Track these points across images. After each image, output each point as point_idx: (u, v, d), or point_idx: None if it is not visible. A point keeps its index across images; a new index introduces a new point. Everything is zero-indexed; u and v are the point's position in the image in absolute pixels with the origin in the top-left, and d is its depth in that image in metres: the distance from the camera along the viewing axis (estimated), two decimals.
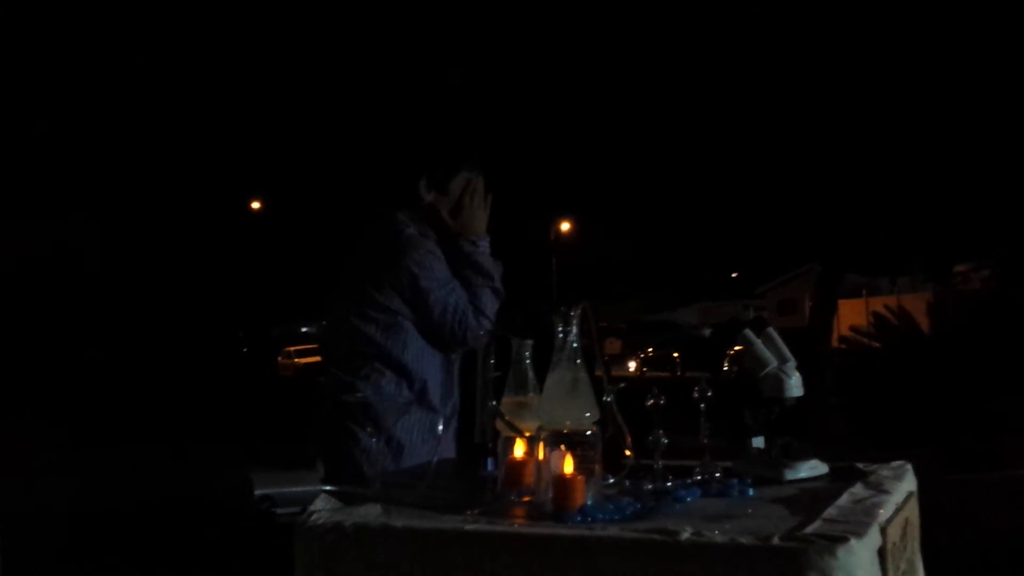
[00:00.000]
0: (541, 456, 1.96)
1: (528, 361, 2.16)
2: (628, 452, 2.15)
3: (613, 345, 35.98)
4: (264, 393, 24.89)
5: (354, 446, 2.67)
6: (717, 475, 2.10)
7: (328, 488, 2.12)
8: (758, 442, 2.22)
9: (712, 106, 17.93)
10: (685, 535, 1.64)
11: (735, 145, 18.55)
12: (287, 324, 49.79)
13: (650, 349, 32.71)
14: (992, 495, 6.11)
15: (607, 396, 2.13)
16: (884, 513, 1.79)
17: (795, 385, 2.20)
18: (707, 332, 35.14)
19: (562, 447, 1.90)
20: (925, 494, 2.15)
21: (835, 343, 14.60)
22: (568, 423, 1.93)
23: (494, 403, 2.17)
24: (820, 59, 15.57)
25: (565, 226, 39.93)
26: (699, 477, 2.10)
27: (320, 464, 2.88)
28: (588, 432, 1.93)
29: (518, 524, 1.83)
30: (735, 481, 2.05)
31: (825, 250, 18.34)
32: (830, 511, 1.78)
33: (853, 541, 1.57)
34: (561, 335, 2.01)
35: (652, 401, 2.09)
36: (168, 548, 6.68)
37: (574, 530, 1.74)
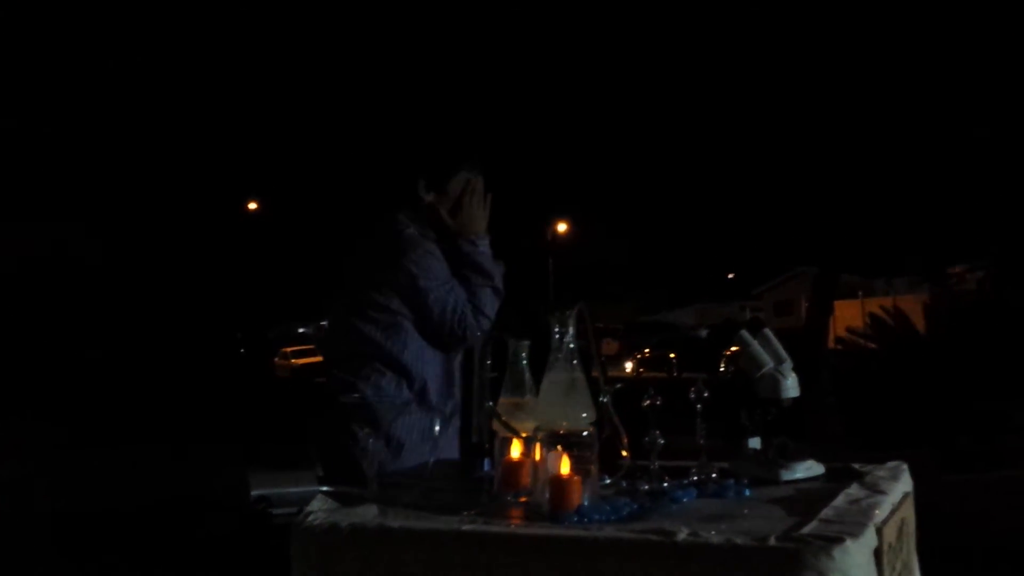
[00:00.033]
0: (538, 457, 1.97)
1: (525, 362, 2.16)
2: (624, 453, 2.15)
3: (610, 346, 35.99)
4: (261, 394, 24.86)
5: (352, 446, 2.67)
6: (713, 476, 2.11)
7: (325, 489, 2.12)
8: (754, 443, 2.22)
9: (709, 108, 17.94)
10: (682, 536, 1.64)
11: (732, 147, 18.56)
12: (284, 325, 49.77)
13: (647, 350, 32.74)
14: (988, 495, 6.12)
15: (603, 397, 2.13)
16: (880, 514, 1.79)
17: (791, 386, 2.20)
18: (704, 333, 35.18)
19: (559, 448, 1.90)
20: (921, 495, 2.16)
21: (831, 344, 14.63)
22: (565, 424, 1.94)
23: (491, 404, 2.17)
24: (816, 62, 15.58)
25: (562, 227, 39.93)
26: (695, 478, 2.10)
27: (318, 465, 2.88)
28: (584, 433, 1.94)
29: (515, 525, 1.83)
30: (731, 482, 2.05)
31: (821, 251, 18.34)
32: (826, 512, 1.78)
33: (849, 542, 1.58)
34: (557, 336, 2.01)
35: (648, 402, 2.09)
36: (165, 548, 6.67)
37: (571, 531, 1.74)
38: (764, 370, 2.22)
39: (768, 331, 2.31)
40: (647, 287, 59.18)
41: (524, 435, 2.05)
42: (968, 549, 4.95)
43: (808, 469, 2.15)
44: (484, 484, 2.13)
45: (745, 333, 2.29)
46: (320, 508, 1.96)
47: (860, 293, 31.68)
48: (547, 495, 1.88)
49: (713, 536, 1.64)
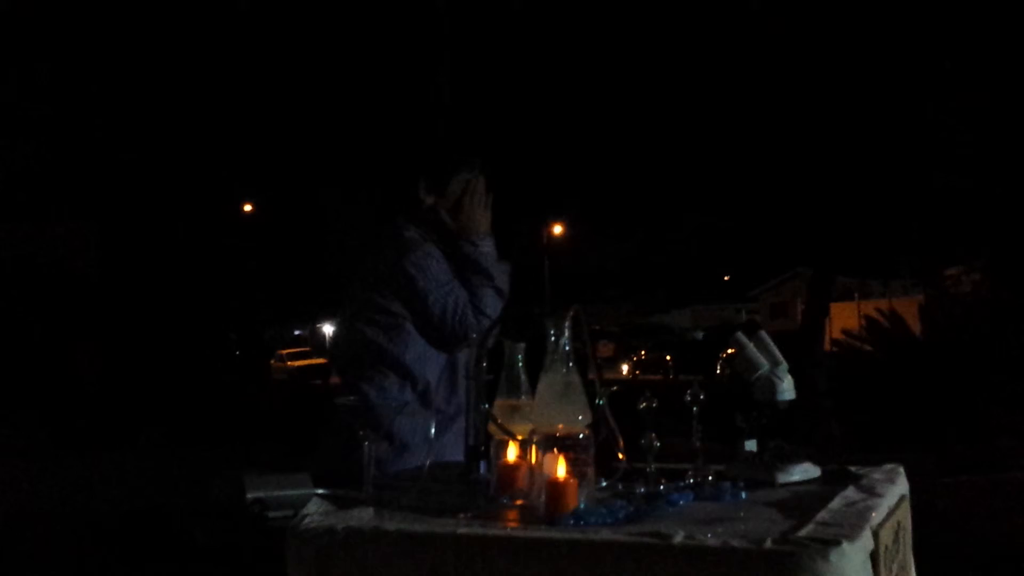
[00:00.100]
0: (534, 459, 1.96)
1: (520, 364, 2.16)
2: (621, 455, 2.15)
3: (606, 348, 36.03)
4: (256, 395, 24.86)
5: (351, 449, 2.68)
6: (710, 478, 2.10)
7: (321, 491, 2.12)
8: (750, 445, 2.22)
9: (704, 110, 17.96)
10: (678, 538, 1.64)
11: (727, 149, 18.58)
12: (280, 327, 49.78)
13: (643, 352, 32.75)
14: (984, 498, 6.13)
15: (600, 399, 2.13)
16: (876, 516, 1.79)
17: (787, 388, 2.20)
18: (699, 335, 35.23)
19: (555, 450, 1.90)
20: (918, 497, 2.16)
21: (827, 346, 14.63)
22: (561, 426, 1.93)
23: (486, 406, 2.17)
24: (810, 64, 15.60)
25: (558, 229, 39.96)
26: (692, 480, 2.10)
27: (315, 467, 2.89)
28: (581, 435, 1.93)
29: (511, 527, 1.83)
30: (727, 484, 2.05)
31: (817, 253, 18.36)
32: (822, 514, 1.78)
33: (845, 544, 1.57)
34: (553, 338, 2.01)
35: (644, 404, 2.09)
36: (158, 552, 6.66)
37: (567, 533, 1.74)
38: (760, 372, 2.21)
39: (764, 333, 2.31)
40: (643, 289, 59.25)
41: (520, 438, 2.05)
42: (965, 551, 4.96)
43: (804, 472, 2.15)
44: (480, 487, 2.13)
45: (741, 335, 2.28)
46: (316, 511, 1.96)
47: (856, 295, 31.73)
48: (543, 498, 1.87)
49: (709, 539, 1.63)
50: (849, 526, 1.69)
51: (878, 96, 15.18)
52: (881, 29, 14.93)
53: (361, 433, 2.12)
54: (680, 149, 20.21)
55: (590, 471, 1.94)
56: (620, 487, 2.08)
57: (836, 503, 1.87)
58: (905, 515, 2.03)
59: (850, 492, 1.97)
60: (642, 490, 2.02)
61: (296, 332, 57.32)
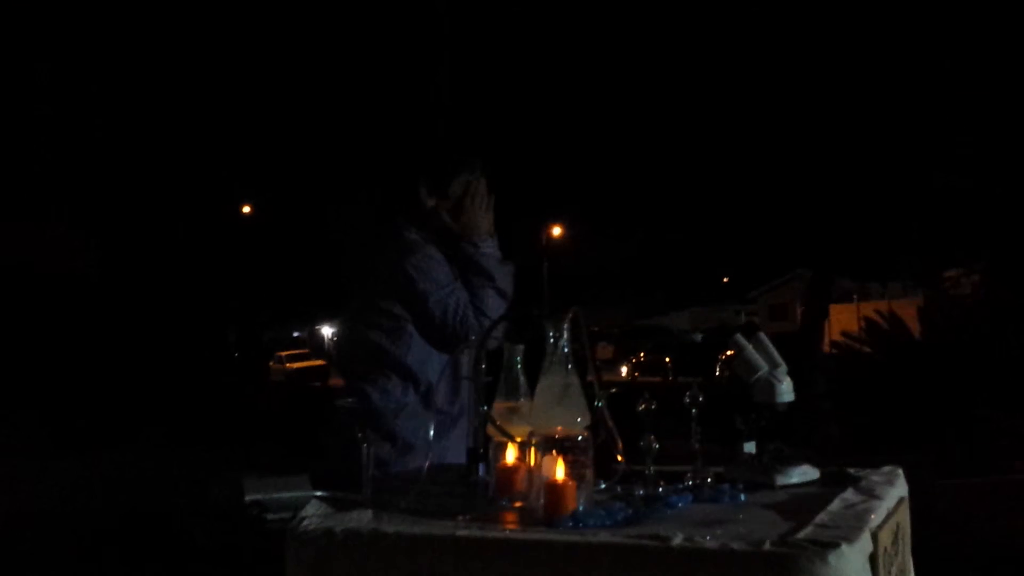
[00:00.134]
0: (532, 462, 1.96)
1: (519, 366, 2.16)
2: (620, 457, 2.15)
3: (605, 350, 36.02)
4: (255, 397, 24.85)
5: (352, 450, 2.69)
6: (709, 480, 2.10)
7: (319, 494, 2.12)
8: (749, 447, 2.22)
9: (705, 112, 17.97)
10: (677, 541, 1.64)
11: (727, 150, 18.58)
12: (278, 329, 49.78)
13: (642, 354, 32.71)
14: (983, 499, 6.13)
15: (598, 401, 2.13)
16: (875, 518, 1.79)
17: (786, 390, 2.20)
18: (699, 337, 35.22)
19: (553, 452, 1.90)
20: (917, 499, 2.15)
21: (827, 348, 14.64)
22: (559, 428, 1.93)
23: (485, 408, 2.17)
24: (810, 66, 15.61)
25: (557, 231, 39.96)
26: (691, 482, 2.10)
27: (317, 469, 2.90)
28: (579, 437, 1.93)
29: (509, 530, 1.83)
30: (727, 486, 2.04)
31: (816, 255, 18.36)
32: (821, 517, 1.78)
33: (844, 547, 1.57)
34: (552, 340, 2.00)
35: (643, 406, 2.09)
36: (157, 554, 6.65)
37: (566, 536, 1.74)
38: (759, 374, 2.21)
39: (763, 335, 2.31)
40: (642, 291, 59.23)
41: (519, 440, 2.05)
42: (964, 553, 4.96)
43: (803, 474, 2.15)
44: (479, 489, 2.12)
45: (740, 337, 2.28)
46: (314, 513, 1.95)
47: (855, 297, 31.76)
48: (542, 500, 1.87)
49: (708, 541, 1.63)
50: (848, 528, 1.69)
51: (877, 98, 15.19)
52: (880, 31, 14.94)
53: (360, 435, 2.12)
54: (679, 151, 20.21)
55: (589, 473, 1.94)
56: (619, 489, 2.08)
57: (835, 505, 1.87)
58: (904, 517, 2.03)
59: (849, 494, 1.97)
60: (641, 492, 2.02)
61: (295, 334, 57.38)
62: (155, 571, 6.28)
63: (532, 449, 1.96)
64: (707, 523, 1.78)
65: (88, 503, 8.84)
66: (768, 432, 2.19)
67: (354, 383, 2.86)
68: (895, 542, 1.88)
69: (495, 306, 2.86)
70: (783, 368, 2.23)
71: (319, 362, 41.17)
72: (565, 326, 2.01)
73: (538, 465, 1.93)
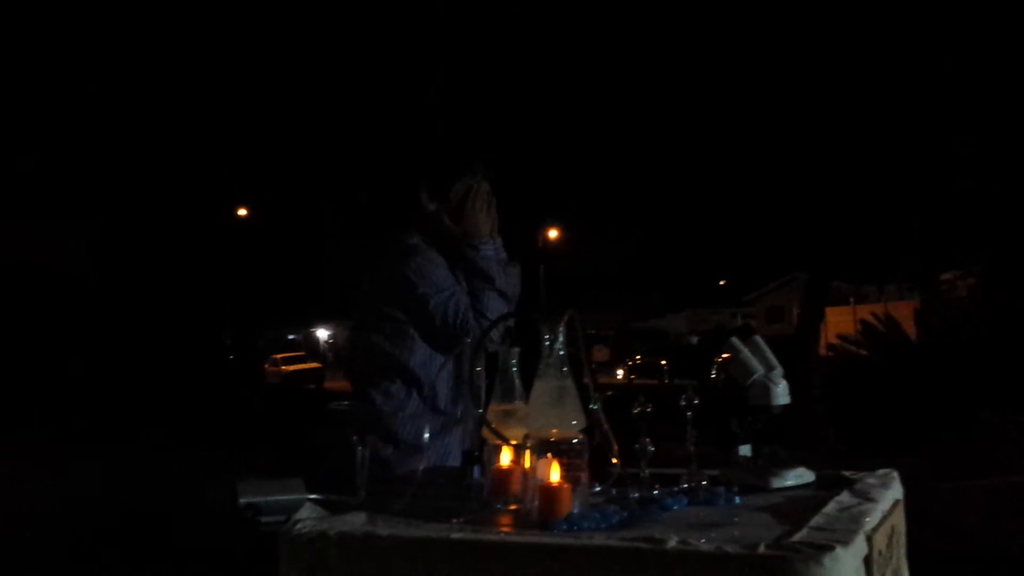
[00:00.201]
0: (527, 464, 1.96)
1: (515, 369, 2.15)
2: (615, 460, 2.14)
3: (601, 352, 36.02)
4: (250, 399, 24.83)
5: (347, 455, 2.69)
6: (704, 483, 2.10)
7: (313, 496, 2.11)
8: (745, 450, 2.22)
9: (701, 115, 17.99)
10: (671, 543, 1.64)
11: (724, 154, 18.60)
12: (274, 331, 49.75)
13: (638, 357, 32.72)
14: (979, 502, 6.12)
15: (594, 404, 2.12)
16: (870, 521, 1.79)
17: (782, 393, 2.20)
18: (695, 340, 35.22)
19: (548, 455, 1.89)
20: (912, 502, 2.15)
21: (822, 351, 14.65)
22: (555, 431, 1.93)
23: (480, 411, 2.17)
24: (807, 69, 15.63)
25: (553, 233, 39.95)
26: (686, 485, 2.10)
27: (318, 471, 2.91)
28: (575, 440, 1.93)
29: (504, 532, 1.82)
30: (722, 489, 2.04)
31: (813, 258, 18.39)
32: (816, 519, 1.78)
33: (839, 549, 1.57)
34: (548, 343, 2.00)
35: (639, 409, 2.08)
36: (151, 557, 6.65)
37: (560, 538, 1.73)
38: (754, 377, 2.21)
39: (758, 338, 2.31)
40: (638, 293, 59.25)
41: (514, 443, 2.04)
42: (959, 556, 4.96)
43: (798, 476, 2.14)
44: (474, 491, 2.12)
45: (735, 340, 2.28)
46: (308, 516, 1.95)
47: (851, 300, 31.79)
48: (537, 503, 1.87)
49: (703, 544, 1.63)
50: (843, 531, 1.69)
51: (874, 102, 15.21)
52: (878, 35, 14.96)
53: (354, 438, 2.12)
54: (676, 153, 20.23)
55: (584, 476, 1.93)
56: (614, 492, 2.08)
57: (830, 508, 1.87)
58: (899, 520, 2.03)
59: (844, 497, 1.96)
60: (636, 495, 2.02)
61: (290, 336, 57.36)
62: (150, 572, 6.27)
63: (527, 452, 1.96)
64: (702, 526, 1.78)
65: (80, 507, 8.84)
66: (763, 435, 2.19)
67: (359, 387, 2.89)
68: (890, 545, 1.88)
69: (496, 308, 2.86)
70: (779, 371, 2.23)
71: (314, 364, 41.20)
72: (561, 329, 2.01)
73: (533, 468, 1.92)
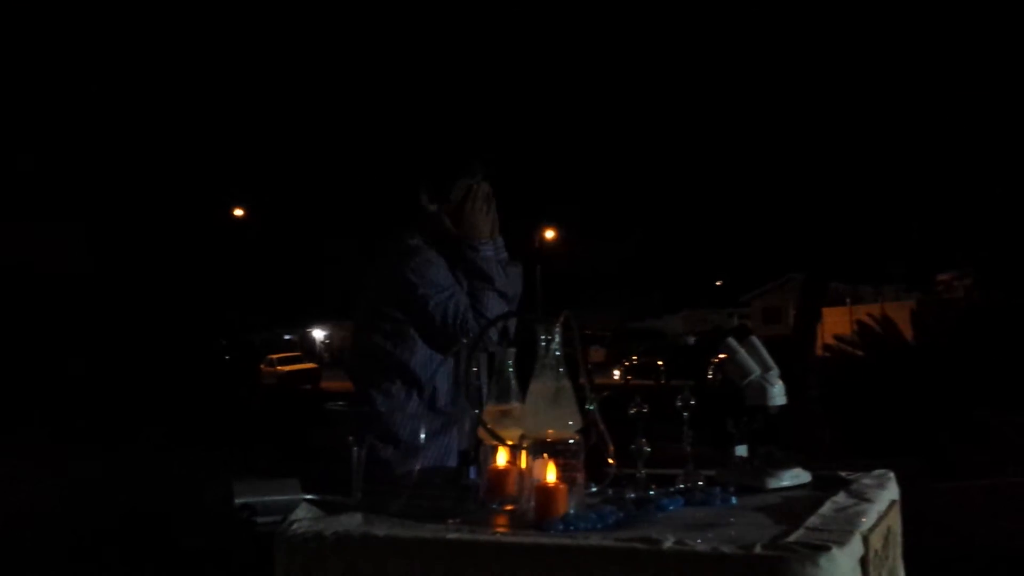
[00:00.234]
0: (524, 465, 1.96)
1: (511, 369, 2.15)
2: (611, 461, 2.14)
3: (597, 353, 35.99)
4: (246, 399, 24.82)
5: (343, 455, 2.70)
6: (700, 483, 2.10)
7: (309, 497, 2.11)
8: (741, 450, 2.22)
9: (697, 116, 17.99)
10: (668, 544, 1.64)
11: (720, 154, 18.61)
12: (270, 332, 49.73)
13: (634, 357, 32.70)
14: (975, 502, 6.13)
15: (590, 404, 2.12)
16: (866, 522, 1.79)
17: (778, 393, 2.20)
18: (691, 340, 35.21)
19: (545, 456, 1.89)
20: (908, 502, 2.15)
21: (819, 351, 14.65)
22: (551, 432, 1.93)
23: (476, 411, 2.16)
24: (803, 70, 15.63)
25: (550, 234, 39.94)
26: (682, 486, 2.10)
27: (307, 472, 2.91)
28: (571, 441, 1.93)
29: (500, 533, 1.82)
30: (718, 489, 2.04)
31: (809, 258, 18.40)
32: (812, 520, 1.78)
33: (835, 550, 1.57)
34: (544, 343, 2.00)
35: (635, 409, 2.08)
36: (147, 557, 6.64)
37: (557, 539, 1.73)
38: (751, 378, 2.21)
39: (755, 338, 2.31)
40: (635, 294, 59.24)
41: (510, 443, 2.04)
42: (955, 556, 4.96)
43: (795, 477, 2.15)
44: (470, 492, 2.12)
45: (732, 340, 2.28)
46: (304, 516, 1.95)
47: (848, 300, 31.76)
48: (533, 503, 1.87)
49: (699, 544, 1.63)
50: (839, 531, 1.69)
51: (872, 102, 15.22)
52: (876, 35, 14.97)
53: (350, 438, 2.12)
54: (674, 154, 20.24)
55: (580, 476, 1.93)
56: (610, 492, 2.08)
57: (826, 508, 1.87)
58: (895, 520, 2.03)
59: (840, 497, 1.96)
60: (632, 495, 2.02)
61: (286, 337, 57.31)
62: (150, 572, 6.26)
63: (523, 452, 1.96)
64: (698, 526, 1.78)
65: (76, 507, 8.83)
66: (760, 435, 2.19)
67: (360, 387, 2.89)
68: (886, 545, 1.88)
69: (496, 308, 2.87)
70: (775, 371, 2.23)
71: (310, 365, 41.18)
72: (557, 329, 2.01)
73: (529, 468, 1.92)
